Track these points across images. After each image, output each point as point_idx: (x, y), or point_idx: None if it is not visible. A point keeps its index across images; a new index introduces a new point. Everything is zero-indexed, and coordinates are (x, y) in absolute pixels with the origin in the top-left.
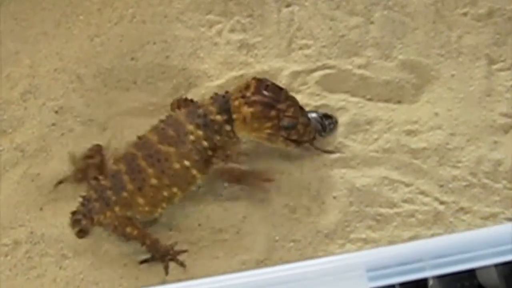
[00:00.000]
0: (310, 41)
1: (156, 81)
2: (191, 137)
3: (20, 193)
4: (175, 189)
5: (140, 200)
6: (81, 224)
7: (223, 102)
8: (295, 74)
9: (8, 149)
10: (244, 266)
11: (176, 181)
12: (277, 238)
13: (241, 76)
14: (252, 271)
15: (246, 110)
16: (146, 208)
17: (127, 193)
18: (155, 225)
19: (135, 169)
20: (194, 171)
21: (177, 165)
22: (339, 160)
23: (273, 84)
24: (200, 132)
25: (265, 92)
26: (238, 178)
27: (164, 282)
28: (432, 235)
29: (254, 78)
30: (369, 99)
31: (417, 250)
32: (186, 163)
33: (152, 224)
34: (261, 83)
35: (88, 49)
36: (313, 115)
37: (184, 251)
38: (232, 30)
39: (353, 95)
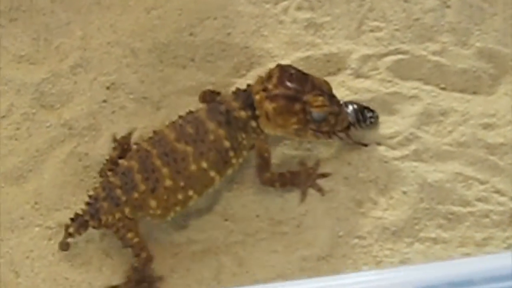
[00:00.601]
0: (382, 23)
1: (216, 59)
2: (211, 137)
3: (66, 173)
4: (190, 192)
5: (152, 203)
6: (87, 227)
7: (245, 96)
8: (365, 58)
9: (55, 126)
10: (305, 263)
11: (192, 184)
12: (341, 233)
13: (307, 57)
14: (272, 284)
15: (268, 105)
16: (158, 212)
17: (139, 194)
18: (209, 213)
19: (149, 168)
20: (212, 173)
21: (193, 166)
22: (410, 153)
23: (298, 71)
24: (221, 131)
25: (288, 83)
26: (291, 181)
27: (217, 276)
28: (507, 238)
29: (277, 66)
30: (443, 88)
31: (469, 270)
32: (204, 164)
33: (207, 212)
34: (284, 72)
35: (144, 22)
36: (352, 106)
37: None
38: (299, 8)
39: (427, 83)
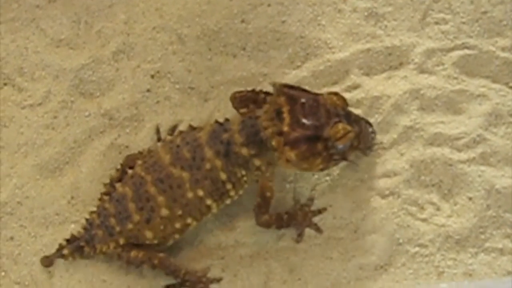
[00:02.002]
0: (448, 15)
1: (269, 48)
2: (207, 165)
3: (106, 167)
4: (189, 220)
5: (148, 234)
6: (82, 252)
7: (252, 132)
8: (430, 52)
9: (95, 115)
10: (361, 271)
11: (190, 211)
12: (400, 240)
13: (368, 50)
14: None
15: (290, 153)
16: (155, 241)
17: (133, 225)
18: None
19: (143, 196)
20: (209, 202)
21: (190, 194)
22: (477, 156)
23: (308, 96)
24: (218, 162)
25: (304, 120)
26: (287, 223)
27: (266, 283)
28: None
29: (281, 93)
30: None
31: None
32: (200, 192)
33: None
34: (294, 104)
35: (193, 7)
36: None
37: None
38: None
39: (495, 81)
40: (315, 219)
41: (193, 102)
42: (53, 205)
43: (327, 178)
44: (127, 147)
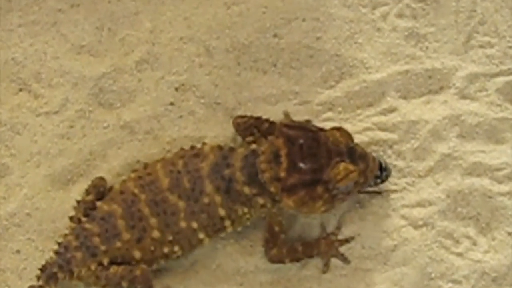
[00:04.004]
0: (494, 38)
1: (301, 66)
2: (205, 200)
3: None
4: (176, 248)
5: (137, 254)
6: (56, 279)
7: (254, 172)
8: (473, 77)
9: (113, 127)
10: None
11: (180, 240)
12: (433, 275)
13: (406, 72)
14: None
15: (287, 200)
16: (141, 263)
17: (122, 243)
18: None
19: (135, 215)
20: (202, 235)
21: (183, 224)
22: None
23: (307, 136)
24: (218, 198)
25: (301, 164)
26: (305, 254)
27: None
28: None
29: (279, 134)
30: None
31: None
32: (194, 225)
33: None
34: (292, 146)
35: (223, 18)
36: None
37: None
38: (399, 15)
39: None
40: (342, 249)
41: (218, 118)
42: (64, 218)
43: (357, 205)
44: (145, 163)
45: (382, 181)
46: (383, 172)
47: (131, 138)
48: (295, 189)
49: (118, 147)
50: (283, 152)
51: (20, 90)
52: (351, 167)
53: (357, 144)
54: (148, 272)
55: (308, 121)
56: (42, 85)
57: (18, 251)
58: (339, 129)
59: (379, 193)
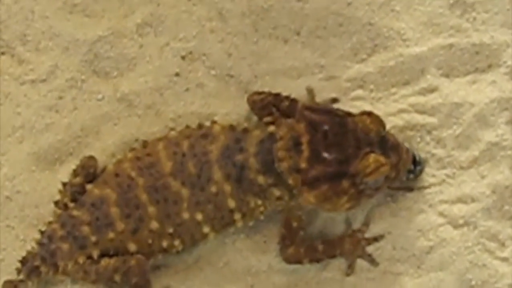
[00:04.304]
0: None
1: (329, 35)
2: (213, 188)
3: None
4: (177, 242)
5: (132, 247)
6: (38, 273)
7: (270, 159)
8: None
9: (109, 100)
10: None
11: (181, 233)
12: (473, 282)
13: (450, 46)
14: None
15: (307, 195)
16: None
17: (115, 234)
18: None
19: (131, 202)
20: (206, 229)
21: (186, 215)
22: None
23: (333, 121)
24: (228, 187)
25: (325, 154)
26: (326, 254)
27: None
28: None
29: (301, 117)
30: None
31: None
32: (198, 216)
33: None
34: (315, 133)
35: None
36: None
37: None
38: None
39: None
40: (370, 248)
41: (230, 93)
42: (49, 203)
43: (388, 199)
44: (144, 141)
45: (416, 176)
46: (416, 166)
47: (129, 113)
48: (317, 183)
49: (114, 123)
50: (304, 139)
51: (2, 53)
52: (382, 159)
53: (389, 133)
54: (145, 262)
55: (335, 100)
56: (28, 48)
57: None
58: (369, 114)
59: (411, 189)
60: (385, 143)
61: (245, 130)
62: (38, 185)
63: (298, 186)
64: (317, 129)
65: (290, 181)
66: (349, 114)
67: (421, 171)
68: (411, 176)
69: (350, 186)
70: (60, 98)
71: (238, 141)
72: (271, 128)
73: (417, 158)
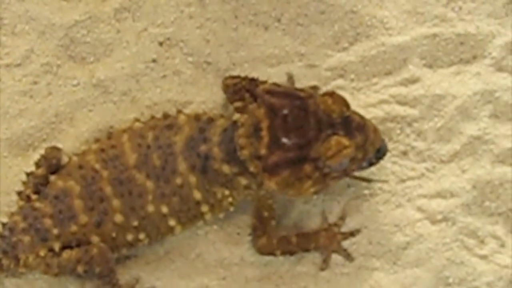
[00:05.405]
0: None
1: (310, 22)
2: (178, 180)
3: None
4: (142, 236)
5: (95, 240)
6: (1, 266)
7: (232, 148)
8: None
9: (84, 85)
10: None
11: (146, 226)
12: (450, 280)
13: (434, 35)
14: None
15: (269, 182)
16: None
17: (78, 227)
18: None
19: (95, 194)
20: (172, 222)
21: (151, 208)
22: None
23: (293, 104)
24: (193, 178)
25: (284, 139)
26: (299, 247)
27: None
28: None
29: (261, 102)
30: None
31: None
32: (164, 209)
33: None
34: (274, 117)
35: None
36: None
37: None
38: None
39: None
40: (345, 243)
41: (208, 80)
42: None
43: (366, 191)
44: (109, 132)
45: (372, 163)
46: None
47: (105, 100)
48: (278, 169)
49: (89, 109)
50: (264, 125)
51: None
52: (344, 141)
53: (354, 112)
54: (107, 251)
55: (314, 88)
56: (4, 32)
57: None
58: (331, 94)
59: (368, 180)
60: (349, 124)
61: (210, 119)
62: (9, 171)
63: (259, 173)
64: (277, 113)
65: (252, 169)
66: (312, 95)
67: (380, 158)
68: (368, 163)
69: (313, 170)
70: (35, 83)
71: (202, 131)
72: (236, 115)
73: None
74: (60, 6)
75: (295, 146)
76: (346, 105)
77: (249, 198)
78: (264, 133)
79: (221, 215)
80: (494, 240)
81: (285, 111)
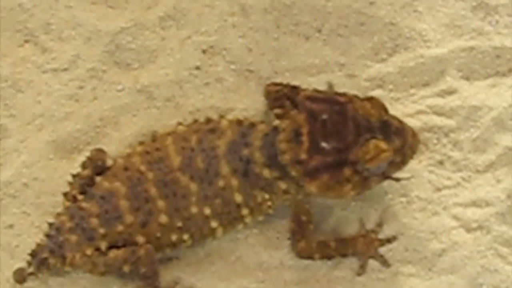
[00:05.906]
0: None
1: (350, 34)
2: (221, 182)
3: None
4: (185, 236)
5: (140, 240)
6: (47, 265)
7: (273, 153)
8: None
9: (129, 90)
10: None
11: (190, 227)
12: (484, 287)
13: (471, 48)
14: None
15: (310, 186)
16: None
17: (124, 227)
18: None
19: (141, 195)
20: (214, 224)
21: (195, 209)
22: None
23: (333, 109)
24: (235, 181)
25: (324, 144)
26: (338, 252)
27: None
28: None
29: (302, 108)
30: None
31: None
32: (206, 211)
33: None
34: (314, 123)
35: None
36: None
37: None
38: None
39: None
40: (382, 249)
41: (250, 88)
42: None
43: (402, 199)
44: (153, 134)
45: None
46: None
47: (148, 105)
48: (318, 173)
49: (133, 114)
50: (304, 130)
51: (26, 41)
52: (382, 144)
53: (393, 116)
54: (153, 252)
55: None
56: (51, 37)
57: (11, 226)
58: (370, 99)
59: (397, 179)
60: (388, 128)
61: (251, 125)
62: (55, 173)
63: (300, 177)
64: (316, 118)
65: (293, 173)
66: (351, 100)
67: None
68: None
69: (352, 173)
70: (81, 87)
71: (244, 136)
72: (276, 121)
73: None
74: (106, 13)
75: (334, 150)
76: (385, 109)
77: (287, 203)
78: (304, 138)
79: (261, 218)
80: None
81: (325, 116)
